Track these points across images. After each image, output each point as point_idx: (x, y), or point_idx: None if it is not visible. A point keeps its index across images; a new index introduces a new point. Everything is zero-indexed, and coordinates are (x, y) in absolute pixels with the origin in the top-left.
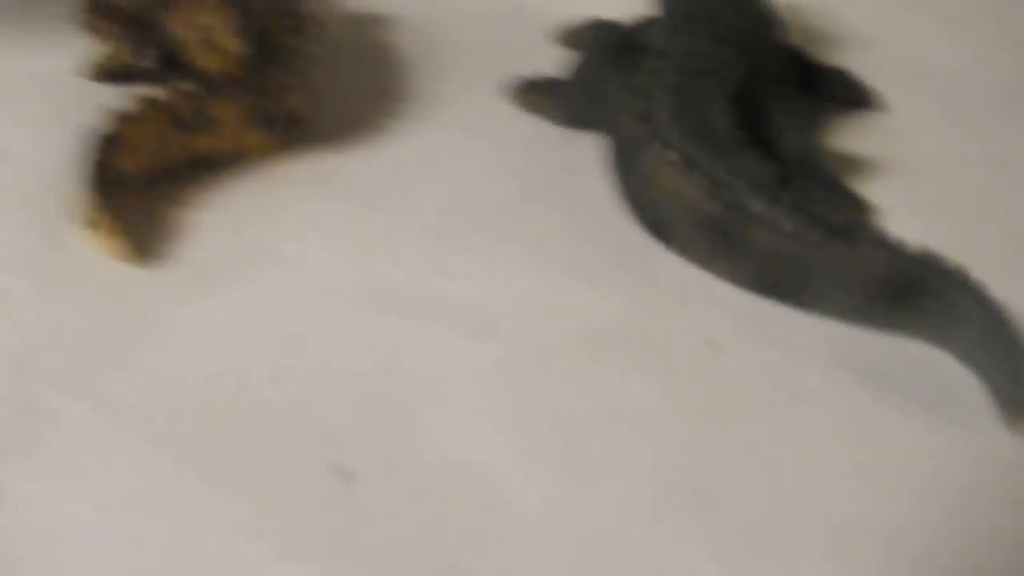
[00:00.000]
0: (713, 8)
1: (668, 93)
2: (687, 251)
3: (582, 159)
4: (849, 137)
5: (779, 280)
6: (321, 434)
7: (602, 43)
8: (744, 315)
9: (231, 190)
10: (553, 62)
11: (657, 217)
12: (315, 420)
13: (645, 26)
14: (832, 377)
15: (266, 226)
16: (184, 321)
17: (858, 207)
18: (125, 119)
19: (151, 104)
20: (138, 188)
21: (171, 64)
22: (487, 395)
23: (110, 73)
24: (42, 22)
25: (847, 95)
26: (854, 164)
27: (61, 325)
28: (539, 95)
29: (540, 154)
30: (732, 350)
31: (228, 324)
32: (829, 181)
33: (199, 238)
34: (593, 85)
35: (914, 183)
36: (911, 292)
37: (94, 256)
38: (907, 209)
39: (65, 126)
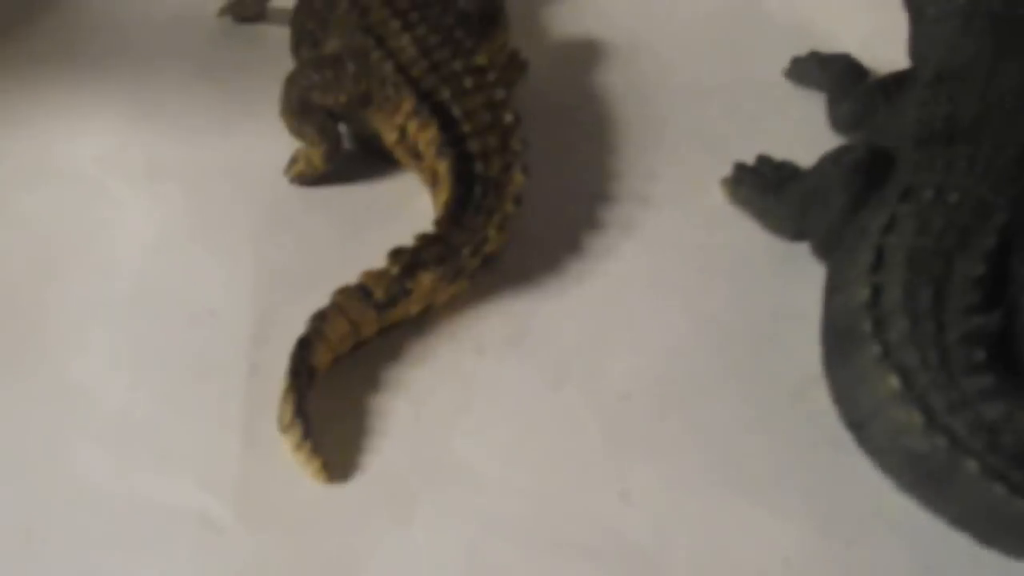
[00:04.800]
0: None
1: (903, 263)
2: (886, 468)
3: (796, 298)
4: None
5: (988, 529)
6: None
7: (842, 118)
8: (942, 554)
9: (416, 363)
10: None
11: (860, 421)
12: None
13: (889, 84)
14: None
15: (452, 422)
16: (376, 554)
17: None
18: (323, 318)
19: (347, 296)
20: (325, 375)
21: (378, 152)
22: None
23: (309, 176)
24: (246, 119)
25: None
26: None
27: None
28: (759, 193)
29: (750, 291)
30: None
31: (418, 555)
32: None
33: (385, 443)
34: (822, 202)
35: None
36: None
37: (291, 469)
38: None
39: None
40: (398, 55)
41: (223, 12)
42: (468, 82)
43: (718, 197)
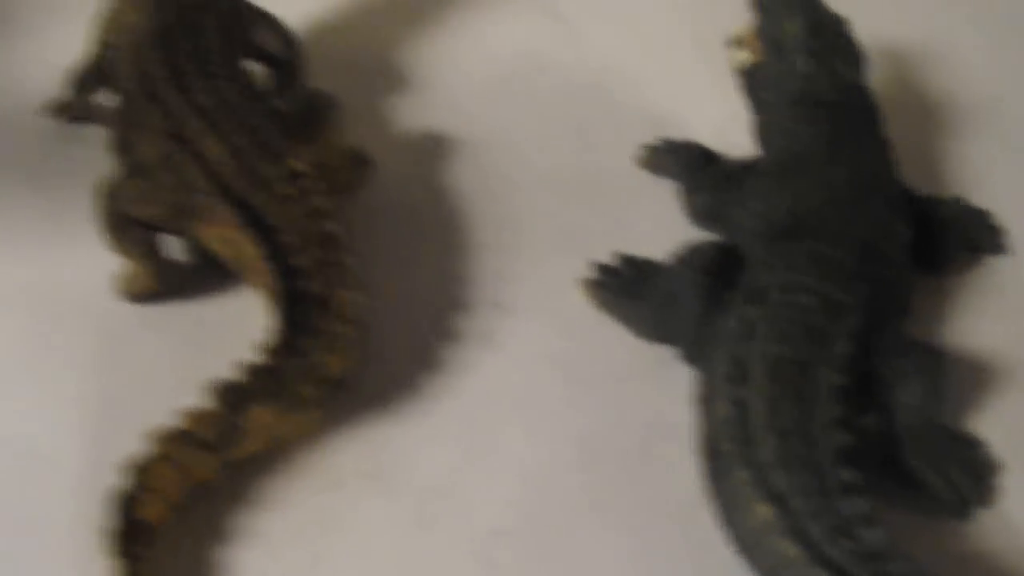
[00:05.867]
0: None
1: (763, 375)
2: None
3: (671, 408)
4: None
5: None
6: None
7: (696, 210)
8: None
9: (267, 506)
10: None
11: (743, 549)
12: None
13: (737, 173)
14: None
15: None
16: None
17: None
18: (144, 470)
19: (170, 441)
20: (165, 529)
21: (215, 262)
22: None
23: (138, 296)
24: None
25: (975, 237)
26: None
27: None
28: (619, 296)
29: (622, 403)
30: None
31: None
32: (952, 476)
33: None
34: (677, 307)
35: None
36: None
37: None
38: None
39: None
40: (206, 159)
41: (45, 111)
42: (283, 189)
43: (579, 300)
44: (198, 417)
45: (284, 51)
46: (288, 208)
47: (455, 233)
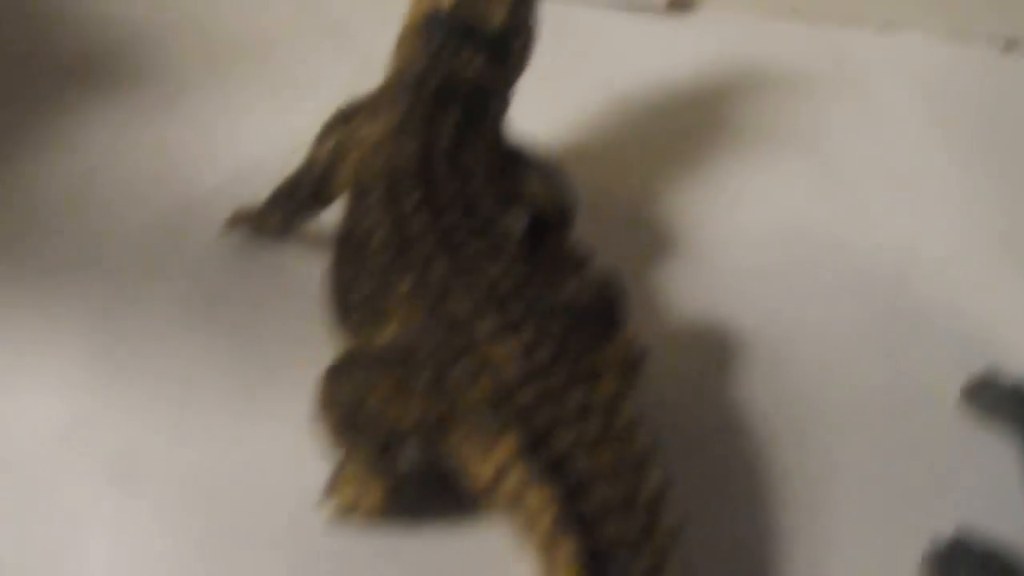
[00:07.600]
0: None
1: None
2: None
3: None
4: None
5: None
6: None
7: None
8: None
9: None
10: None
11: None
12: None
13: None
14: None
15: None
16: None
17: None
18: None
19: None
20: None
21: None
22: None
23: (358, 517)
24: None
25: None
26: None
27: None
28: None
29: None
30: None
31: None
32: None
33: None
34: None
35: None
36: None
37: None
38: None
39: None
40: (494, 367)
41: (233, 224)
42: (595, 425)
43: None
44: None
45: (557, 210)
46: (600, 453)
47: (757, 471)
